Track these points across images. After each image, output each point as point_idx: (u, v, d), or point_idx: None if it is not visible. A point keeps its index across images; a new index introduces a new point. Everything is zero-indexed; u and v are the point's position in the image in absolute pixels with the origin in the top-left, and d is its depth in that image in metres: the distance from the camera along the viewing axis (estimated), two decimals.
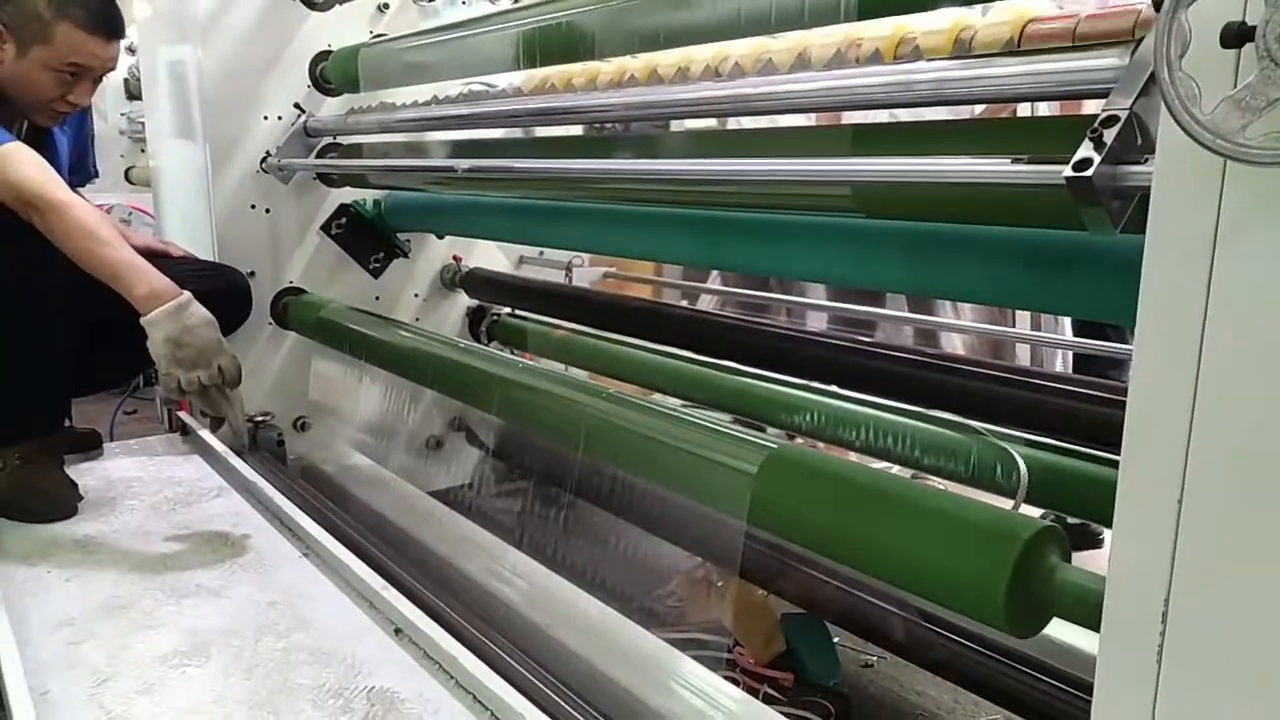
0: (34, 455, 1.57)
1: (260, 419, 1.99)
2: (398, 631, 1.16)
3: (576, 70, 1.41)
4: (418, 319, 2.25)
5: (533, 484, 1.74)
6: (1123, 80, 0.68)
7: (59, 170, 1.79)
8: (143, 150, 4.01)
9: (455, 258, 2.25)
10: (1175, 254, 0.54)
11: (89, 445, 1.86)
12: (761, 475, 0.94)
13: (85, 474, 1.71)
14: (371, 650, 1.13)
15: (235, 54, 1.94)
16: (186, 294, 1.43)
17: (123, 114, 4.25)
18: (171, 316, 1.39)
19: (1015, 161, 0.72)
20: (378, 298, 2.18)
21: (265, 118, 1.99)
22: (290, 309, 2.01)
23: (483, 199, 1.83)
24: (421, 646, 1.12)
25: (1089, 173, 0.64)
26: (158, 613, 1.22)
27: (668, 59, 1.22)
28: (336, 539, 1.40)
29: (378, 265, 2.16)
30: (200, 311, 1.43)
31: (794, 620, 1.59)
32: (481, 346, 1.64)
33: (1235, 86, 0.46)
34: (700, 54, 1.18)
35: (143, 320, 1.39)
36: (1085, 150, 0.65)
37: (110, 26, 1.61)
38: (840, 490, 0.88)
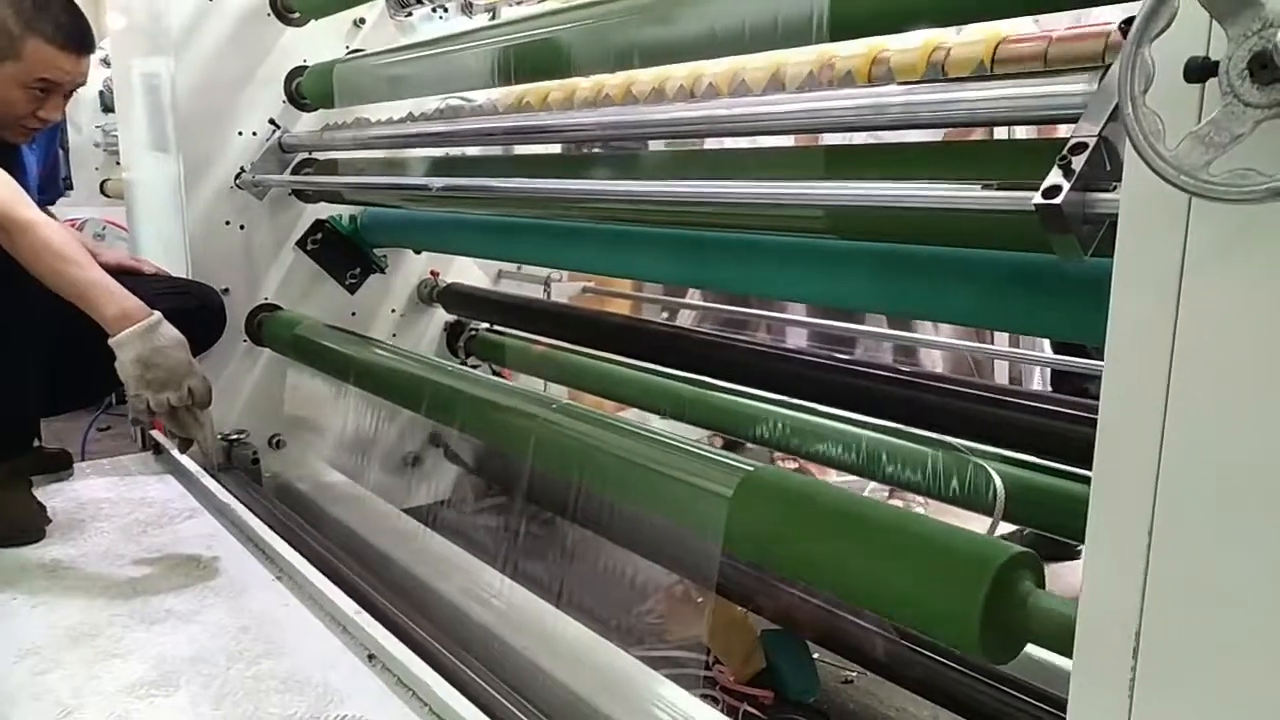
0: (2, 478, 1.54)
1: (235, 437, 1.97)
2: (370, 657, 1.15)
3: (553, 87, 1.41)
4: (395, 335, 2.23)
5: (511, 501, 1.72)
6: (1091, 106, 0.68)
7: (27, 189, 1.77)
8: (118, 163, 3.96)
9: (433, 273, 2.23)
10: (1143, 284, 0.54)
11: (59, 466, 1.82)
12: (737, 499, 0.94)
13: (54, 495, 1.68)
14: (344, 677, 1.11)
15: (210, 68, 1.92)
16: (156, 314, 1.41)
17: (98, 126, 4.19)
18: (141, 338, 1.37)
19: (986, 187, 0.72)
20: (354, 314, 2.16)
21: (240, 133, 1.97)
22: (265, 326, 1.99)
23: (460, 215, 1.82)
24: (395, 673, 1.11)
25: (1058, 200, 0.64)
26: (126, 639, 1.20)
27: (643, 77, 1.22)
28: (310, 561, 1.38)
29: (354, 281, 2.14)
30: (170, 332, 1.41)
31: (773, 636, 1.58)
32: (455, 365, 1.62)
33: (1199, 122, 0.46)
34: (676, 72, 1.17)
35: (111, 341, 1.37)
36: (1054, 177, 0.65)
37: (80, 41, 1.59)
38: (815, 516, 0.88)
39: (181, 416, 1.41)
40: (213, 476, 1.71)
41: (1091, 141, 0.66)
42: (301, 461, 2.10)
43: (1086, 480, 0.60)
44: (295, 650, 1.18)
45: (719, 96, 1.06)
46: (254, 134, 1.98)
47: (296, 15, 1.96)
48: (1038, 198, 0.65)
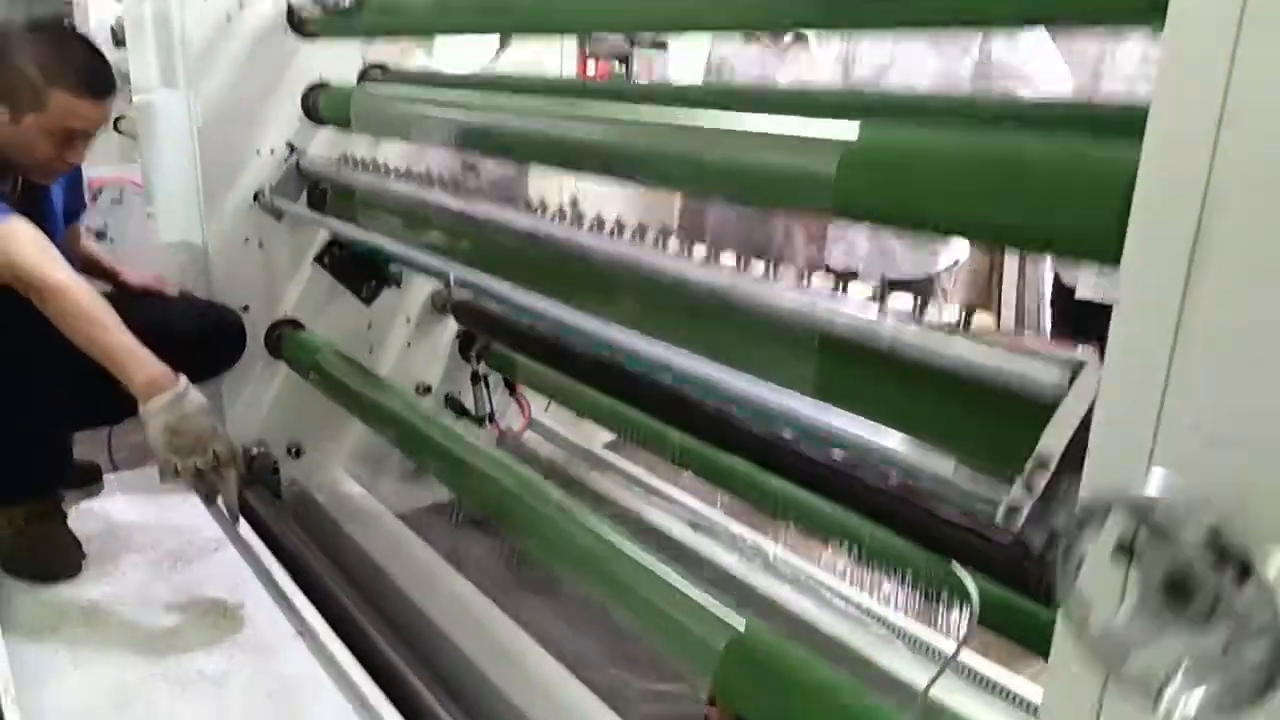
0: (39, 512, 1.64)
1: (255, 452, 2.06)
2: None
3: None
4: (409, 343, 2.30)
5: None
6: (1054, 425, 0.72)
7: (54, 217, 1.81)
8: (129, 101, 3.91)
9: (446, 284, 2.27)
10: None
11: (89, 479, 1.92)
12: (725, 661, 1.02)
13: (86, 518, 1.78)
14: None
15: (228, 87, 1.93)
16: (183, 381, 1.47)
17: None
18: (168, 407, 1.44)
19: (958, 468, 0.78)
20: (370, 325, 2.22)
21: (258, 152, 2.00)
22: (285, 343, 2.06)
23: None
24: None
25: (1017, 523, 0.70)
26: (161, 706, 1.32)
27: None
28: (327, 620, 1.49)
29: (369, 294, 2.19)
30: (196, 399, 1.48)
31: None
32: (459, 426, 1.67)
33: (1121, 607, 0.52)
34: None
35: (141, 411, 1.44)
36: (1014, 494, 0.71)
37: (102, 88, 1.61)
38: (803, 696, 0.96)
39: (208, 476, 1.50)
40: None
41: (1053, 463, 0.71)
42: (319, 468, 2.19)
43: None
44: None
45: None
46: (271, 152, 2.01)
47: (312, 29, 1.95)
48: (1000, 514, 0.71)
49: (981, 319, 0.85)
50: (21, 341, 1.53)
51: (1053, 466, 0.71)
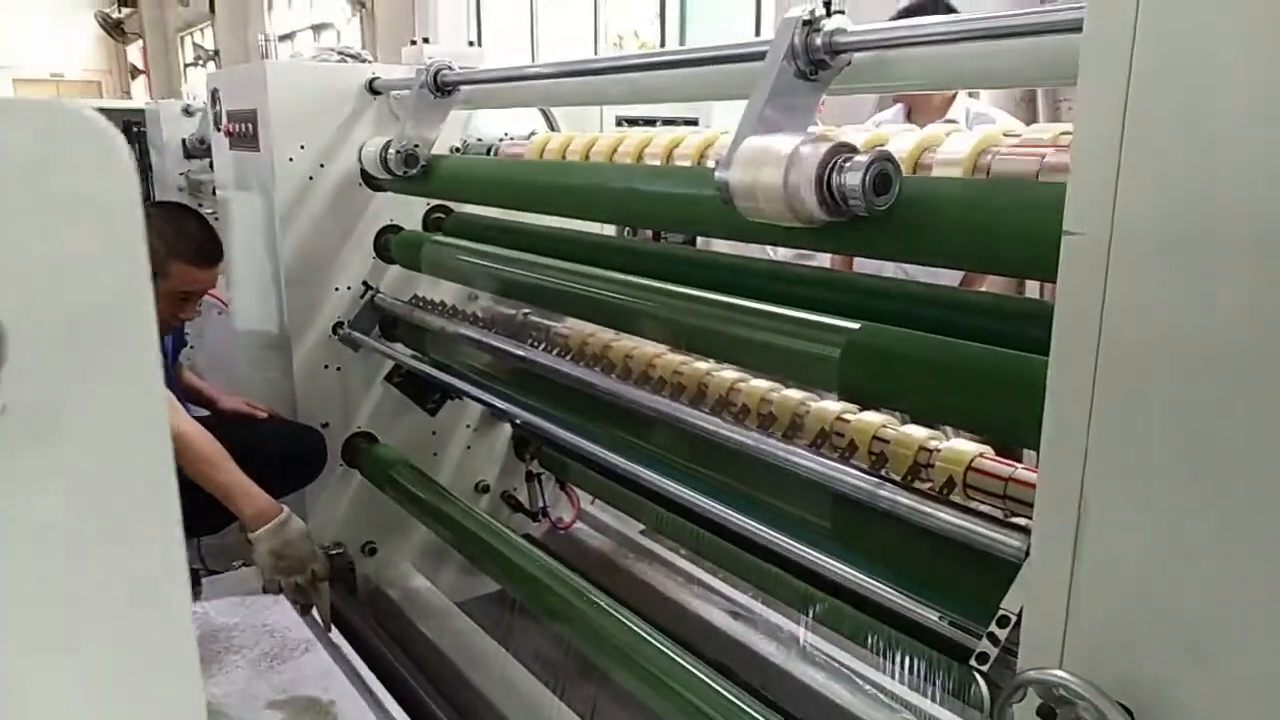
0: None
1: (334, 551, 2.29)
2: None
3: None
4: (469, 446, 2.52)
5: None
6: (1014, 589, 0.91)
7: (167, 356, 2.08)
8: (199, 204, 4.26)
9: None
10: None
11: (192, 582, 2.16)
12: None
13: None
14: None
15: (311, 234, 2.20)
16: (285, 511, 1.70)
17: (181, 173, 4.52)
18: (273, 534, 1.67)
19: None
20: (434, 432, 2.46)
21: (336, 289, 2.25)
22: (359, 455, 2.29)
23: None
24: None
25: (985, 668, 0.89)
26: None
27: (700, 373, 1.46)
28: (409, 711, 1.69)
29: (434, 405, 2.43)
30: (297, 525, 1.71)
31: None
32: (533, 551, 1.87)
33: None
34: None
35: (250, 536, 1.68)
36: (984, 645, 0.90)
37: (215, 256, 1.88)
38: None
39: (306, 589, 1.72)
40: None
41: (1012, 618, 0.90)
42: (389, 565, 2.41)
43: None
44: None
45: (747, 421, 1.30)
46: (348, 288, 2.26)
47: (383, 185, 2.21)
48: (973, 661, 0.90)
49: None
50: None
51: (1011, 623, 0.90)
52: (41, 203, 0.45)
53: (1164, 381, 0.64)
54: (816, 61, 1.07)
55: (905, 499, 1.06)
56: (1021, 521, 0.98)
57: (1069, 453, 0.69)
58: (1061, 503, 0.71)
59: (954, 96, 2.59)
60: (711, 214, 1.22)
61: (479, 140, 2.22)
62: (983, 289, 2.23)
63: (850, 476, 1.12)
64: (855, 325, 1.15)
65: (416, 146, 1.90)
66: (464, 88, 1.88)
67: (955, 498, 1.07)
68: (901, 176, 0.99)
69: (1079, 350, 0.68)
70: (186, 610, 0.57)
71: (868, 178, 0.96)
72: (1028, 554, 0.93)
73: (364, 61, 2.26)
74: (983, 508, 1.04)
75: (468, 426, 2.52)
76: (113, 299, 0.48)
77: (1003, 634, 0.90)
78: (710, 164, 1.37)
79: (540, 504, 2.57)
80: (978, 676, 0.90)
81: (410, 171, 1.93)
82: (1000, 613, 0.91)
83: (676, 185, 1.36)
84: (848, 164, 0.98)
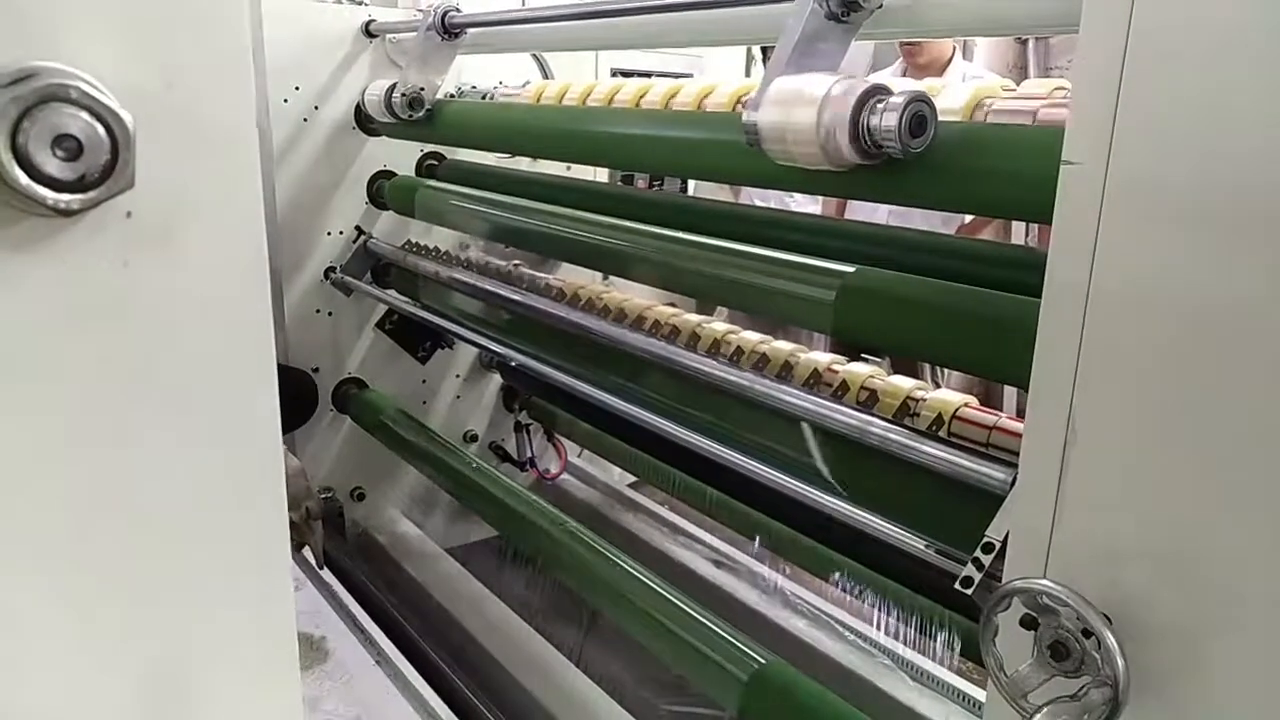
0: None
1: (324, 495, 2.31)
2: None
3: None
4: (459, 396, 2.54)
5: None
6: (999, 517, 0.95)
7: None
8: None
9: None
10: None
11: None
12: (749, 692, 1.25)
13: None
14: None
15: (304, 177, 2.19)
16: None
17: None
18: None
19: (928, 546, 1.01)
20: (424, 381, 2.47)
21: (329, 233, 2.25)
22: (350, 401, 2.31)
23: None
24: None
25: (969, 590, 0.93)
26: None
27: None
28: (399, 648, 1.73)
29: (424, 354, 2.44)
30: (292, 463, 1.72)
31: None
32: (523, 492, 1.89)
33: (1031, 655, 0.74)
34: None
35: None
36: (969, 569, 0.94)
37: None
38: None
39: (300, 528, 1.74)
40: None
41: (996, 544, 0.94)
42: (378, 510, 2.44)
43: None
44: None
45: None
46: (340, 233, 2.26)
47: (377, 129, 2.21)
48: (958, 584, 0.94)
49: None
50: None
51: (995, 549, 0.94)
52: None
53: (1154, 311, 0.67)
54: (849, 3, 1.06)
55: (895, 435, 1.09)
56: (1007, 458, 1.02)
57: (1058, 379, 0.72)
58: (1049, 428, 0.75)
59: (951, 59, 2.62)
60: (731, 160, 1.24)
61: (474, 88, 2.22)
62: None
63: (841, 414, 1.15)
64: (850, 268, 1.18)
65: (422, 90, 1.90)
66: (471, 30, 1.87)
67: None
68: (938, 120, 0.99)
69: (1073, 280, 0.70)
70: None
71: (904, 119, 0.96)
72: (1013, 485, 0.97)
73: (359, 4, 2.24)
74: None
75: (457, 376, 2.53)
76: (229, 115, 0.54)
77: (987, 559, 0.93)
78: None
79: (528, 454, 2.60)
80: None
81: (415, 115, 1.92)
82: (985, 539, 0.95)
83: (701, 131, 1.35)
84: (882, 105, 0.97)
